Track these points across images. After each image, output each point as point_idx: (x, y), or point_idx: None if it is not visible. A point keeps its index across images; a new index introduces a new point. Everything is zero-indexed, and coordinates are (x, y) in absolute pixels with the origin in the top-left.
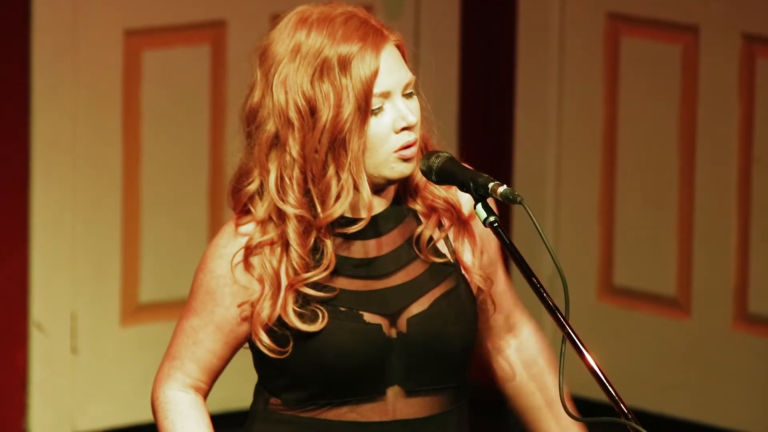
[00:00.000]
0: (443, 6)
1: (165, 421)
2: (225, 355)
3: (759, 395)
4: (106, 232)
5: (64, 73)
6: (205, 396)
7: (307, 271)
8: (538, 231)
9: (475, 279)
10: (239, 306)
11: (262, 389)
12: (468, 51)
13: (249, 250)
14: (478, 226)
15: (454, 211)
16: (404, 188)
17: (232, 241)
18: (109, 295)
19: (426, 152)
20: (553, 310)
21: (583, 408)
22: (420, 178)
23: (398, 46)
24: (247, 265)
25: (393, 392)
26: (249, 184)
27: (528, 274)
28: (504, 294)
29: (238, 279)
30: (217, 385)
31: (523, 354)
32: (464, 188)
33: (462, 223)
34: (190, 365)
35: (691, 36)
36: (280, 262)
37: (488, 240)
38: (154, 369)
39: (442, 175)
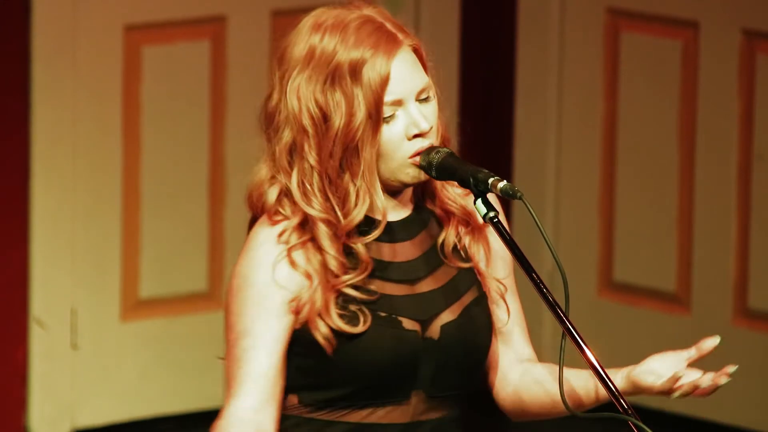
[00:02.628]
0: (443, 0)
1: None
2: (282, 366)
3: (759, 391)
4: (106, 228)
5: (64, 68)
6: (276, 413)
7: (345, 273)
8: (538, 226)
9: (490, 284)
10: (290, 302)
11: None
12: (468, 45)
13: (291, 249)
14: (494, 235)
15: (469, 218)
16: (422, 191)
17: (270, 247)
18: (109, 290)
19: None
20: (553, 306)
21: None
22: (437, 182)
23: (415, 50)
24: (292, 263)
25: (417, 396)
26: (273, 187)
27: (528, 269)
28: (518, 315)
29: (283, 281)
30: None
31: (528, 380)
32: (464, 184)
33: (477, 230)
34: (253, 386)
35: (691, 31)
36: (319, 260)
37: (504, 252)
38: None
39: (442, 171)
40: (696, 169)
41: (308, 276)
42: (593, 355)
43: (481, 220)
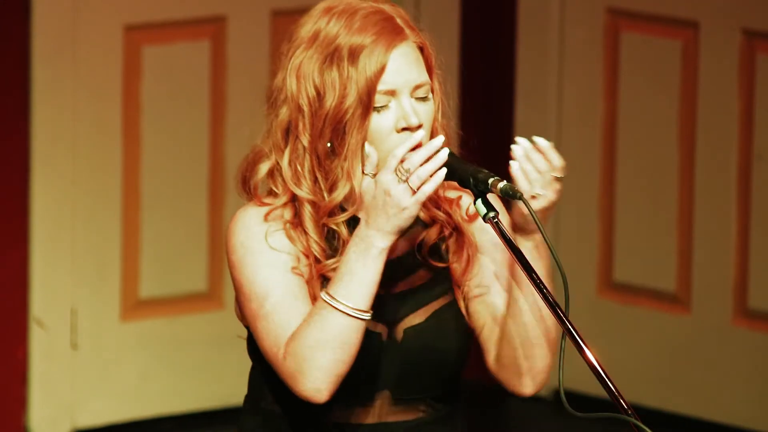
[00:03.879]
0: None
1: (308, 330)
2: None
3: (759, 390)
4: (106, 228)
5: (64, 68)
6: None
7: (327, 258)
8: (539, 226)
9: (466, 290)
10: (293, 270)
11: (256, 385)
12: (468, 45)
13: (288, 223)
14: (483, 238)
15: (453, 225)
16: None
17: (261, 225)
18: (109, 290)
19: None
20: (553, 306)
21: (583, 404)
22: None
23: (421, 48)
24: (289, 237)
25: (381, 397)
26: (267, 165)
27: (528, 269)
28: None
29: (283, 248)
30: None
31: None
32: (464, 184)
33: (460, 237)
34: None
35: (691, 31)
36: (305, 246)
37: (495, 253)
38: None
39: None
40: (696, 168)
41: (307, 252)
42: (593, 355)
43: (480, 219)
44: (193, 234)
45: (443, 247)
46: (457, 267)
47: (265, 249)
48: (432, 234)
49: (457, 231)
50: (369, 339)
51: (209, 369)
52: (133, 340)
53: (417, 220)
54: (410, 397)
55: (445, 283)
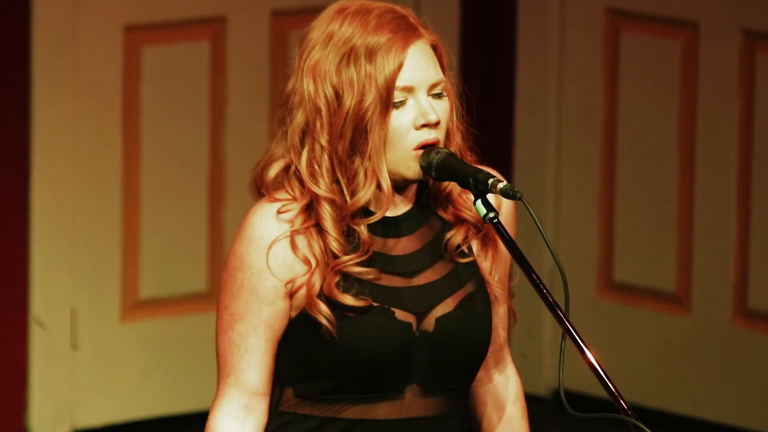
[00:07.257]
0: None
1: None
2: (274, 352)
3: (759, 391)
4: (106, 228)
5: (64, 68)
6: (267, 408)
7: (346, 255)
8: (538, 227)
9: (495, 290)
10: (286, 284)
11: (273, 389)
12: (468, 45)
13: (294, 232)
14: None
15: (481, 225)
16: (435, 197)
17: (270, 225)
18: (109, 291)
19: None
20: (553, 307)
21: (583, 405)
22: (451, 187)
23: (435, 47)
24: (293, 245)
25: (411, 390)
26: (283, 166)
27: (528, 270)
28: (502, 321)
29: (279, 264)
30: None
31: (498, 396)
32: (464, 184)
33: (488, 238)
34: (247, 376)
35: (691, 32)
36: (320, 245)
37: (505, 262)
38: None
39: (442, 171)
40: (696, 169)
41: (307, 261)
42: (593, 355)
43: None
44: (193, 234)
45: (467, 245)
46: (483, 264)
47: (257, 270)
48: (458, 235)
49: (486, 234)
50: (397, 329)
51: (209, 369)
52: (133, 341)
53: (441, 221)
54: (439, 388)
55: (470, 270)
